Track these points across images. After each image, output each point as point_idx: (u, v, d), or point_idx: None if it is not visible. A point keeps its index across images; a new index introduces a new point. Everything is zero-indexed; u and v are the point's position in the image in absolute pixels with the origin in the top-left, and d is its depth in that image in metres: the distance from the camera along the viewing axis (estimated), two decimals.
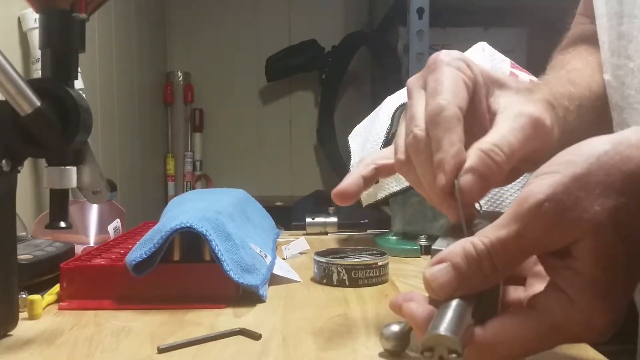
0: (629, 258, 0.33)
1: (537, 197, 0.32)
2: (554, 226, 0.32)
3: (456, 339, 0.31)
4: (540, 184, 0.33)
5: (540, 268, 0.39)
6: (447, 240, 0.39)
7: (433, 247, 0.39)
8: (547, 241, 0.33)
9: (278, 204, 2.15)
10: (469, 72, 0.42)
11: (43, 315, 0.56)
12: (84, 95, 0.51)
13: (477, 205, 0.43)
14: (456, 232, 0.40)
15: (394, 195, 0.86)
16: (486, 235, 0.34)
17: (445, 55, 0.43)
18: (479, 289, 0.34)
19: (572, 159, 0.33)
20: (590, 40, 0.63)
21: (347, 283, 0.67)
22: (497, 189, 0.81)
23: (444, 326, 0.32)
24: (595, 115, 0.52)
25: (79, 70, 0.52)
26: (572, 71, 0.55)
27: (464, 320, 0.33)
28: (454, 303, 0.33)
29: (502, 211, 0.36)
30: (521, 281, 0.40)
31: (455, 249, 0.34)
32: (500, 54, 0.85)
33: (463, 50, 0.87)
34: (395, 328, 0.44)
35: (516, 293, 0.39)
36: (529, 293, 0.38)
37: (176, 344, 0.47)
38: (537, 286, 0.37)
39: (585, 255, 0.32)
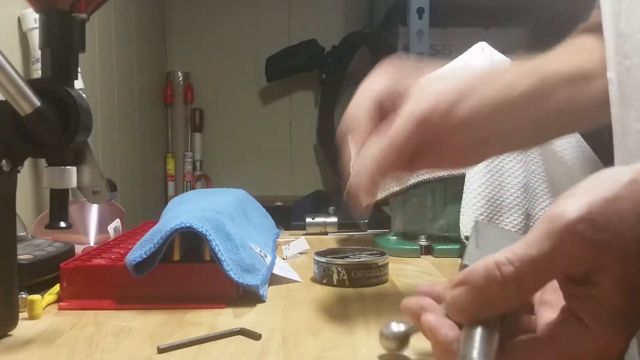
0: None
1: (572, 215, 0.31)
2: (587, 247, 0.31)
3: None
4: (572, 202, 0.32)
5: (548, 297, 0.38)
6: (479, 252, 0.38)
7: (463, 262, 0.38)
8: (577, 262, 0.32)
9: (278, 204, 2.15)
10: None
11: (43, 315, 0.56)
12: (84, 95, 0.51)
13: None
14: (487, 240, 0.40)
15: (394, 195, 0.86)
16: (515, 253, 0.32)
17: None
18: (502, 311, 0.34)
19: (598, 185, 0.33)
20: (598, 29, 0.64)
21: (347, 283, 0.67)
22: (495, 163, 0.81)
23: (476, 352, 0.32)
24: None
25: (79, 70, 0.52)
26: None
27: (492, 346, 0.32)
28: (479, 329, 0.33)
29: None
30: (528, 309, 0.39)
31: (477, 269, 0.33)
32: (500, 54, 0.85)
33: (463, 50, 0.88)
34: (395, 328, 0.44)
35: (527, 320, 0.39)
36: (539, 321, 0.37)
37: (176, 344, 0.47)
38: (547, 314, 0.36)
39: (609, 282, 0.32)
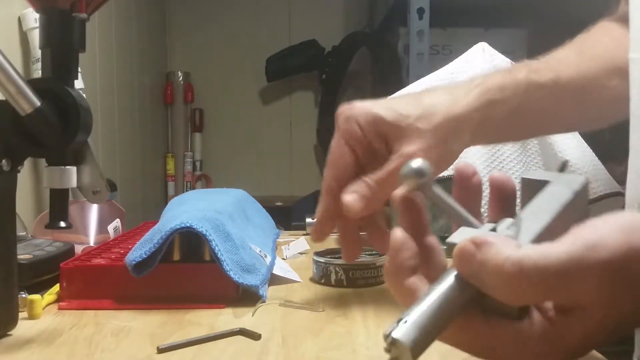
0: (607, 338, 0.32)
1: (608, 255, 0.30)
2: (602, 290, 0.30)
3: (407, 348, 0.29)
4: (613, 238, 0.30)
5: None
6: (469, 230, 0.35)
7: (448, 240, 0.36)
8: (582, 297, 0.31)
9: (278, 204, 2.15)
10: (357, 132, 0.50)
11: (43, 315, 0.56)
12: (84, 95, 0.51)
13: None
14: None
15: None
16: (535, 262, 0.29)
17: (341, 115, 0.52)
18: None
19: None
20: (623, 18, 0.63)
21: (344, 283, 0.67)
22: (494, 151, 0.81)
23: (405, 329, 0.30)
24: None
25: (79, 70, 0.52)
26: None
27: (444, 313, 0.31)
28: (445, 287, 0.31)
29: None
30: None
31: (493, 248, 0.30)
32: (500, 54, 0.85)
33: (463, 50, 0.88)
34: (415, 164, 0.37)
35: None
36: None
37: (176, 344, 0.47)
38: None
39: (581, 331, 0.31)
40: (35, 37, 0.98)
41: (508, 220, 0.35)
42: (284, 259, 0.82)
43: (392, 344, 0.29)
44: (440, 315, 0.31)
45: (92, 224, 0.87)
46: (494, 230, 0.35)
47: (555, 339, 0.32)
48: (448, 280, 0.32)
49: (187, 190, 2.34)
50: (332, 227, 0.54)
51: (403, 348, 0.29)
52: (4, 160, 0.47)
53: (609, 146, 0.96)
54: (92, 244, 0.83)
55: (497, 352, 0.33)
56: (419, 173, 0.37)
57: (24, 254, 0.64)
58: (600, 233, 0.30)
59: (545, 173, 0.39)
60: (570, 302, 0.31)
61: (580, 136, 0.86)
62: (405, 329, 0.29)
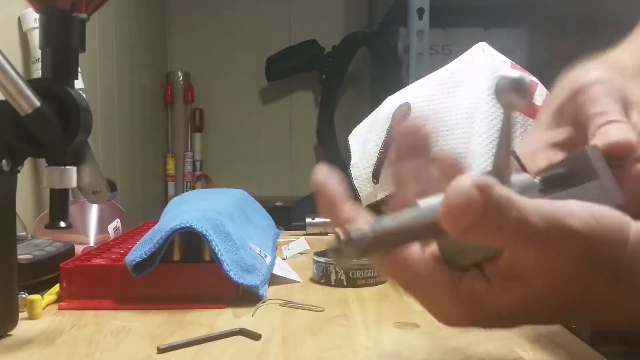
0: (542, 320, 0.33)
1: (582, 231, 0.28)
2: (568, 263, 0.29)
3: (354, 254, 0.30)
4: (589, 224, 0.29)
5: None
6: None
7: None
8: (556, 257, 0.29)
9: (278, 204, 2.15)
10: None
11: (43, 315, 0.56)
12: (84, 95, 0.51)
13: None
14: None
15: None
16: (519, 204, 0.27)
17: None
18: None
19: None
20: None
21: (344, 283, 0.67)
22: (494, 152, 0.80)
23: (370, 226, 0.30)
24: None
25: (79, 70, 0.52)
26: None
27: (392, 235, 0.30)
28: (410, 220, 0.30)
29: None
30: None
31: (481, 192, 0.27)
32: (500, 54, 0.85)
33: (463, 50, 0.88)
34: (516, 73, 0.30)
35: None
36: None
37: (176, 344, 0.47)
38: None
39: (519, 294, 0.31)
40: (35, 37, 0.98)
41: (525, 176, 0.33)
42: (284, 259, 0.82)
43: (346, 241, 0.30)
44: (400, 239, 0.31)
45: (92, 224, 0.87)
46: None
47: (487, 300, 0.32)
48: (428, 209, 0.30)
49: (187, 190, 2.34)
50: None
51: (350, 251, 0.30)
52: (4, 160, 0.47)
53: None
54: (92, 244, 0.83)
55: (425, 292, 0.33)
56: (519, 85, 0.30)
57: (24, 254, 0.64)
58: (575, 209, 0.29)
59: (605, 167, 0.34)
60: (535, 267, 0.30)
61: None
62: (364, 237, 0.30)
